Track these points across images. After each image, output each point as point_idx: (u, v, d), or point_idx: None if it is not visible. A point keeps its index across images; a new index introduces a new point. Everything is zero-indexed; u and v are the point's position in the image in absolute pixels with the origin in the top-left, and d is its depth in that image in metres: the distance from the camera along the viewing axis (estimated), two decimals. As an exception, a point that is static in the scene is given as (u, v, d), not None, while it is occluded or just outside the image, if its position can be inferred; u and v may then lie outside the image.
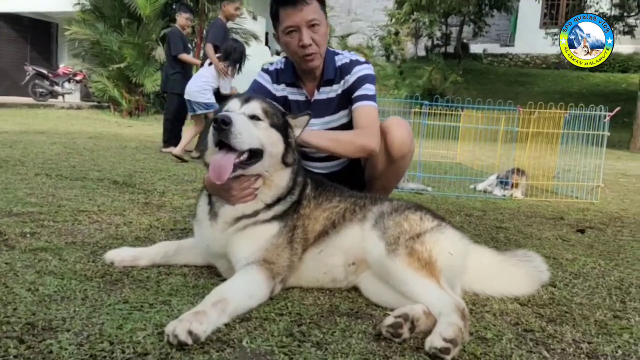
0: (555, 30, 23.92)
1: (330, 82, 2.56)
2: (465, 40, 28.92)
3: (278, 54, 32.94)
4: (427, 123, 6.37)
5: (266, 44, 28.97)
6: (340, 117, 2.60)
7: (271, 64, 2.70)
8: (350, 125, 2.53)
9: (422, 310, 1.68)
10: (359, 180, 2.66)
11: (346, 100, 2.55)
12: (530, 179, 5.73)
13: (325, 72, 2.54)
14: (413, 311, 1.65)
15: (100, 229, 2.80)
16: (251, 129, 1.87)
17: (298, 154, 2.12)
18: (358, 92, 2.50)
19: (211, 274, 2.18)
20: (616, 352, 1.65)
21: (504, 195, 5.34)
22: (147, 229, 2.87)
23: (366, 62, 2.58)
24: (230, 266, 2.03)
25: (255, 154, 1.91)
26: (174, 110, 7.60)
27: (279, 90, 2.62)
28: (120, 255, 2.19)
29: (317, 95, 2.58)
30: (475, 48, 30.03)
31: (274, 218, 1.99)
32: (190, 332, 1.48)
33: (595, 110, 5.48)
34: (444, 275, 1.81)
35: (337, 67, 2.56)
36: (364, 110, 2.46)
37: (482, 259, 2.12)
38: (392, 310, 1.86)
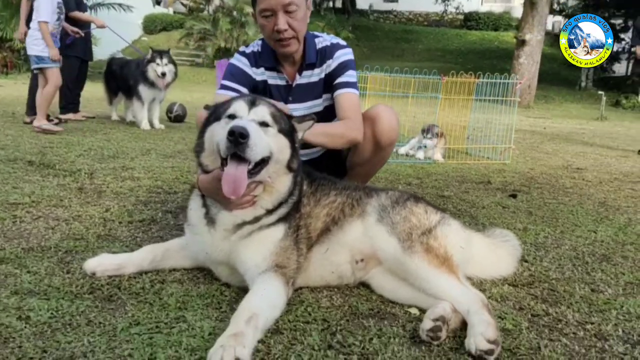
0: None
1: (312, 66, 2.47)
2: (352, -4, 29.18)
3: (159, 3, 30.94)
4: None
5: (146, -7, 27.13)
6: (323, 101, 2.54)
7: (246, 46, 2.52)
8: (331, 109, 2.46)
9: (450, 308, 1.70)
10: (338, 166, 2.62)
11: (328, 84, 2.47)
12: (448, 142, 6.02)
13: (307, 56, 2.43)
14: (445, 311, 1.67)
15: (49, 226, 2.50)
16: (263, 137, 1.72)
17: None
18: (341, 79, 2.43)
19: (207, 277, 2.04)
20: (617, 330, 1.80)
21: (428, 159, 5.56)
22: (103, 224, 2.62)
23: (346, 45, 2.51)
24: (231, 272, 1.93)
25: (262, 161, 1.77)
26: (73, 75, 6.85)
27: (259, 74, 2.46)
28: (102, 265, 1.97)
29: (299, 80, 2.47)
30: (361, 3, 30.46)
31: (279, 220, 1.89)
32: (237, 359, 1.38)
33: (506, 79, 5.84)
34: (460, 269, 1.86)
35: (318, 50, 2.46)
36: (347, 98, 2.41)
37: (474, 244, 2.19)
38: (409, 306, 1.89)
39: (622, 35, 22.75)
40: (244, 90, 2.39)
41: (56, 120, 6.24)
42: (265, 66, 2.47)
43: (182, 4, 29.34)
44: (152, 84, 6.49)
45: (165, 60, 6.49)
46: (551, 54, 24.16)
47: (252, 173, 1.75)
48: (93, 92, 9.35)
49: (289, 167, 1.88)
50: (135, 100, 6.60)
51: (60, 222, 2.59)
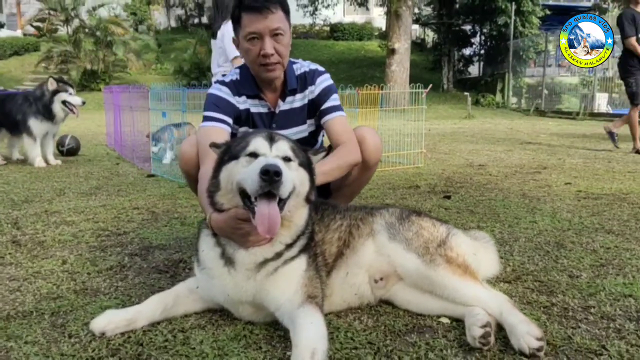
0: (305, 1, 25.61)
1: (293, 92, 2.48)
2: (219, 11, 28.96)
3: (2, 26, 28.32)
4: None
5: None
6: (308, 126, 2.56)
7: (224, 75, 2.44)
8: (314, 134, 2.48)
9: (486, 312, 1.80)
10: (323, 188, 2.61)
11: (313, 110, 2.51)
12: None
13: (289, 82, 2.44)
14: (487, 317, 1.75)
15: (13, 288, 2.22)
16: (288, 173, 1.70)
17: None
18: (328, 104, 2.47)
19: (225, 318, 1.93)
20: (616, 310, 2.01)
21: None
22: (71, 278, 2.37)
23: (325, 71, 2.56)
24: (255, 310, 1.87)
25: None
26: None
27: (241, 102, 2.41)
28: (112, 323, 1.79)
29: (282, 106, 2.46)
30: (230, 19, 30.38)
31: (300, 252, 1.87)
32: None
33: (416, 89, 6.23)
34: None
35: (298, 76, 2.47)
36: (338, 122, 2.46)
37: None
38: (438, 316, 1.95)
39: (472, 40, 25.09)
40: (230, 120, 2.32)
41: None
42: (247, 94, 2.42)
43: (33, 25, 27.07)
44: (45, 118, 5.96)
45: (74, 90, 6.18)
46: (413, 60, 25.90)
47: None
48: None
49: (307, 200, 1.87)
50: (25, 137, 5.98)
51: (22, 281, 2.31)
